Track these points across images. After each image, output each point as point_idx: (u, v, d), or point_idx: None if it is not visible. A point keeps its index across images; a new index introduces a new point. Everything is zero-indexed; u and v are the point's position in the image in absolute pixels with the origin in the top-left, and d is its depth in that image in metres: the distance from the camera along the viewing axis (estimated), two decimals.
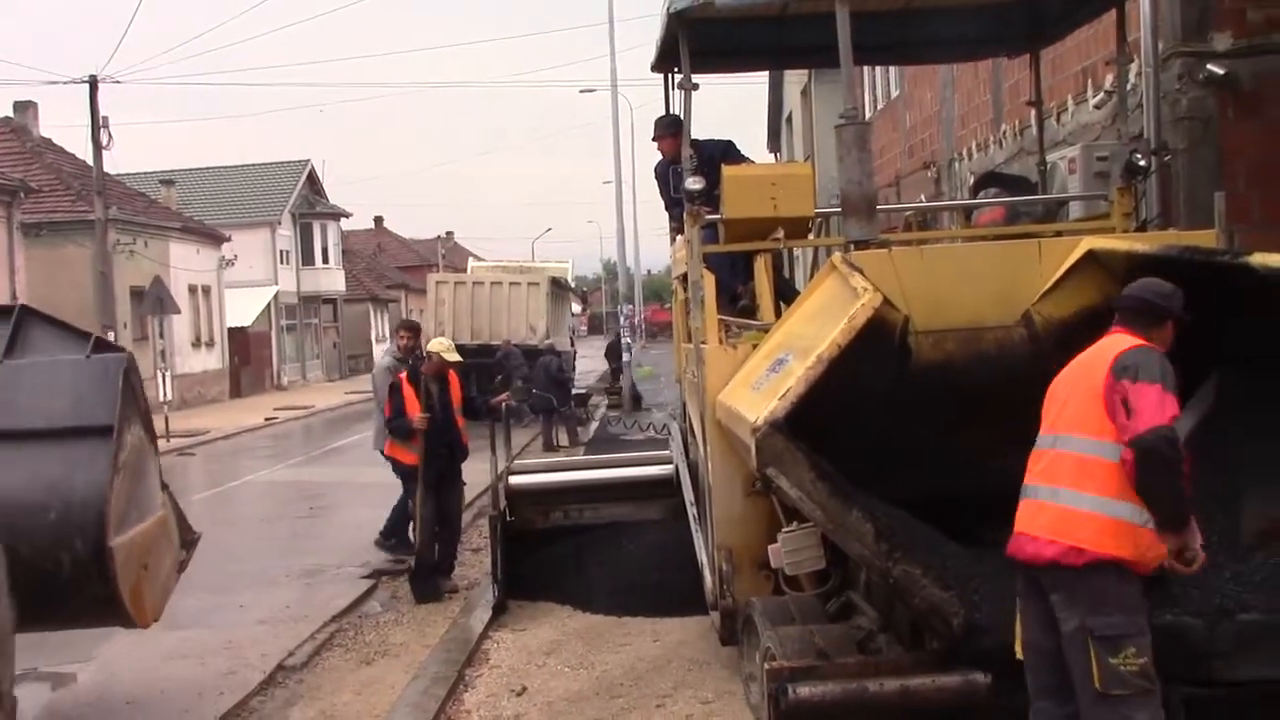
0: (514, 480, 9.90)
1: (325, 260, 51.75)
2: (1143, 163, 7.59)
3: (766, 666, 5.26)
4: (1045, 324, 6.62)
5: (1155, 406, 4.21)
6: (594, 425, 24.45)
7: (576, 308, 49.77)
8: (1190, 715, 4.82)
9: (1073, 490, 4.42)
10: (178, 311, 29.95)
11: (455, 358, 10.45)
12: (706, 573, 7.31)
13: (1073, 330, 6.58)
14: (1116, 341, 4.57)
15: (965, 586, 5.15)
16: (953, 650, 5.02)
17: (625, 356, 29.82)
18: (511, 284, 28.38)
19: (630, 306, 43.95)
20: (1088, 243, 6.59)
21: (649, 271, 71.27)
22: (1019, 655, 4.67)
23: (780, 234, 7.57)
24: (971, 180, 11.41)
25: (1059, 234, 7.49)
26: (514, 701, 7.18)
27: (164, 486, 7.27)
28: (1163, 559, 4.36)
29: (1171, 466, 4.16)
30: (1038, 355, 6.62)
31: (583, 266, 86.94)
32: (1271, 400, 5.36)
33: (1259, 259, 5.38)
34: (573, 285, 42.07)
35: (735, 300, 8.25)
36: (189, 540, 7.49)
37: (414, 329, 12.39)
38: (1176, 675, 4.88)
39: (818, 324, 5.88)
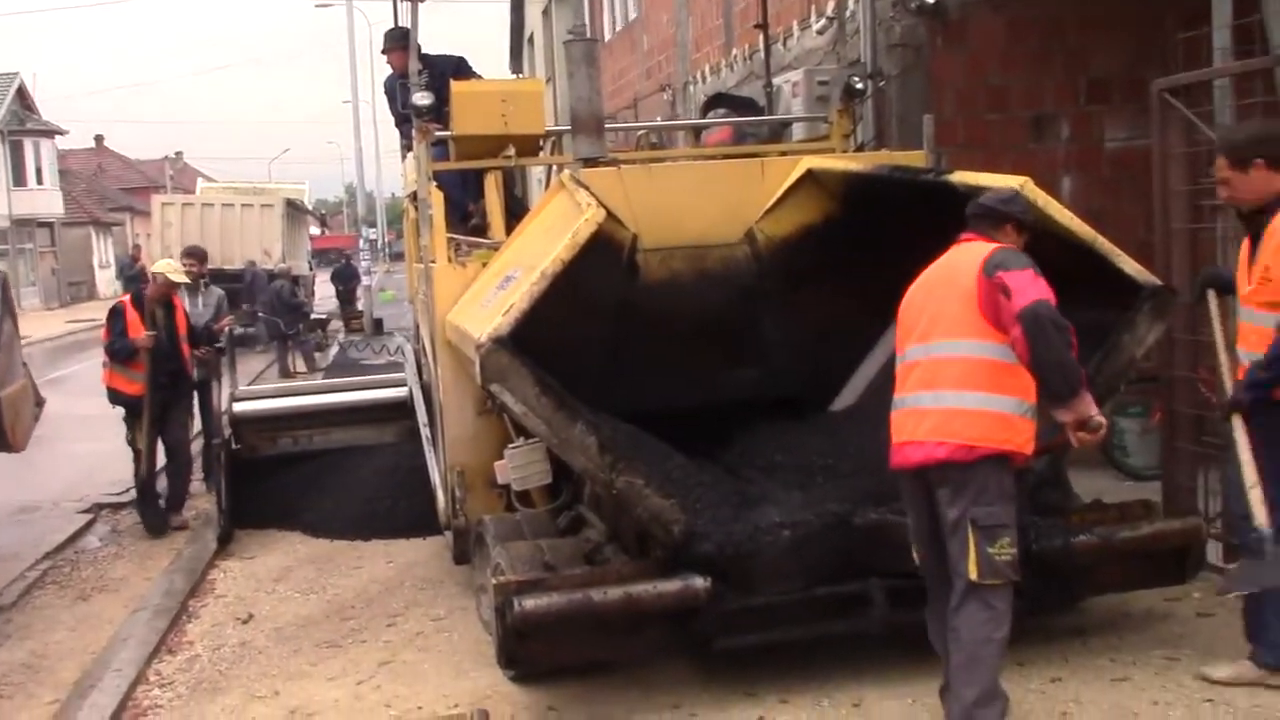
0: (239, 407, 9.57)
1: (39, 181, 48.55)
2: (860, 86, 7.90)
3: (494, 582, 5.29)
4: (767, 241, 6.82)
5: (1031, 284, 4.30)
6: (333, 351, 23.86)
7: (315, 230, 48.24)
8: (892, 604, 5.14)
9: (956, 391, 4.45)
10: None
11: (182, 279, 9.95)
12: (439, 493, 7.26)
13: (793, 247, 6.83)
14: (975, 247, 4.59)
15: (687, 495, 5.28)
16: (674, 557, 5.15)
17: (366, 280, 29.17)
18: (244, 206, 27.27)
19: (372, 230, 42.94)
20: (807, 162, 6.81)
21: (393, 194, 69.41)
22: (918, 563, 4.75)
23: (511, 151, 7.52)
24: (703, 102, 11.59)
25: (783, 154, 7.70)
26: (240, 629, 7.00)
27: (24, 364, 9.68)
28: (1032, 453, 4.49)
29: (1060, 332, 4.25)
30: (760, 272, 6.83)
31: (324, 189, 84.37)
32: None
33: (959, 177, 5.70)
34: (311, 208, 40.79)
35: (466, 219, 8.16)
36: (39, 402, 9.97)
37: (199, 255, 11.68)
38: (881, 568, 5.20)
39: (545, 241, 5.87)
